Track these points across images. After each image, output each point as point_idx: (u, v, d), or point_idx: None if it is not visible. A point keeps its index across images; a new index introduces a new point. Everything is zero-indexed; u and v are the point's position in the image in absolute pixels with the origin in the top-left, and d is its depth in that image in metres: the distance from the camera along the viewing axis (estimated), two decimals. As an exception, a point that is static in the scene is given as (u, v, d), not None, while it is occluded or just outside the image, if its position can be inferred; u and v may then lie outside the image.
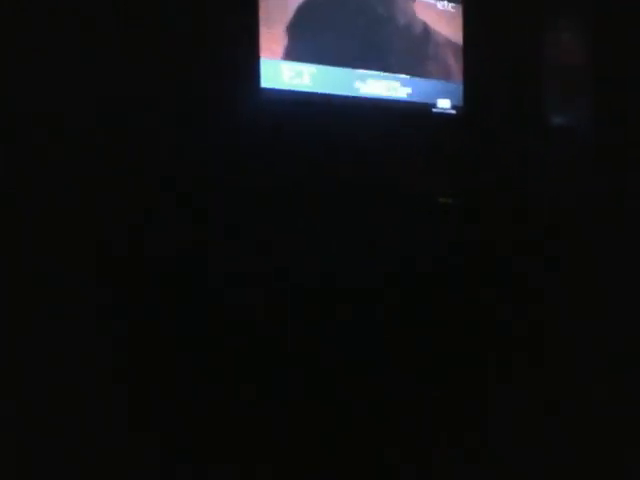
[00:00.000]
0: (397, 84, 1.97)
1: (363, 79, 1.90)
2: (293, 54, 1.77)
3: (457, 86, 2.09)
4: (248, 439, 1.48)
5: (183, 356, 1.48)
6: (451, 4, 2.06)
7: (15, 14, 1.36)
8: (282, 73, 1.76)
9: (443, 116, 2.07)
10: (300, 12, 1.78)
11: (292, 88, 1.77)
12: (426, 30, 2.03)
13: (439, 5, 2.04)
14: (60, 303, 1.36)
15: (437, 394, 1.70)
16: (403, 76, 1.98)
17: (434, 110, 2.05)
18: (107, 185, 1.45)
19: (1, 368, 1.30)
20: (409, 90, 1.99)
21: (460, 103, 2.10)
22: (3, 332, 1.31)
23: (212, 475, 1.41)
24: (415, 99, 2.01)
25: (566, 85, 2.11)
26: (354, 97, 1.89)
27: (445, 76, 2.07)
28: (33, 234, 1.35)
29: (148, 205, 1.48)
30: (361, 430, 1.59)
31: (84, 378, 1.36)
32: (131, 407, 1.40)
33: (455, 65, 2.09)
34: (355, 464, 1.54)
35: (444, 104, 2.07)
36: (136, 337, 1.43)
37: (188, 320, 1.49)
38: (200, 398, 1.46)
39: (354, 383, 1.64)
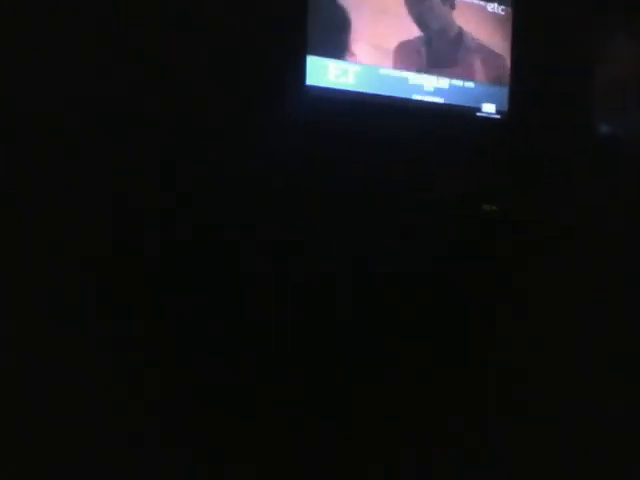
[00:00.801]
0: (442, 87, 1.93)
1: (407, 81, 1.87)
2: (339, 52, 1.75)
3: (503, 90, 2.05)
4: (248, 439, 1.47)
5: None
6: (501, 7, 2.01)
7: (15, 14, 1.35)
8: (328, 71, 1.73)
9: (487, 120, 2.02)
10: (347, 11, 1.75)
11: (337, 87, 1.75)
12: (473, 33, 1.99)
13: (488, 7, 2.00)
14: (60, 303, 1.36)
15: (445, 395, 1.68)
16: (448, 79, 1.94)
17: (478, 114, 2.01)
18: (149, 182, 1.44)
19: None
20: (454, 93, 1.95)
21: (505, 108, 2.05)
22: (3, 332, 1.31)
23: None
24: (460, 102, 1.97)
25: (616, 93, 2.05)
26: (397, 98, 1.86)
27: (491, 80, 2.03)
28: (33, 234, 1.35)
29: (191, 203, 1.47)
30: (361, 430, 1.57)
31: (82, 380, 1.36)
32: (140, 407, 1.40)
33: (502, 69, 2.04)
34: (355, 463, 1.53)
35: (489, 108, 2.02)
36: (137, 338, 1.42)
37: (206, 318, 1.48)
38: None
39: (362, 385, 1.62)
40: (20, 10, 1.36)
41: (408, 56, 1.87)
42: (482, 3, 1.99)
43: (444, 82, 1.94)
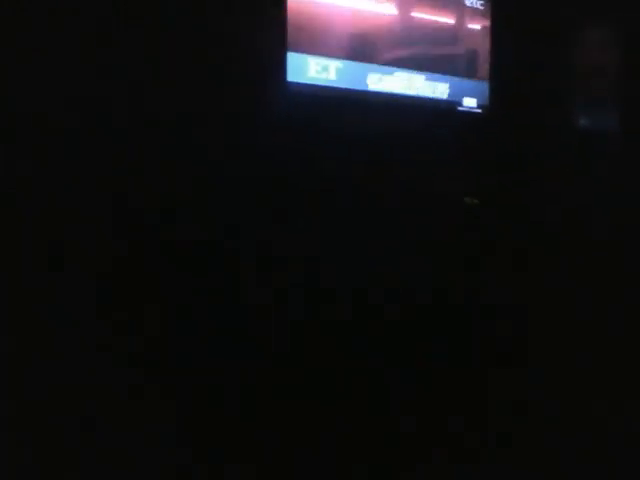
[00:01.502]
0: (423, 81, 1.93)
1: (389, 76, 1.87)
2: (319, 48, 1.74)
3: (483, 85, 2.06)
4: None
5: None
6: (480, 1, 2.02)
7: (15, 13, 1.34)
8: (308, 67, 1.73)
9: (469, 115, 2.03)
10: (327, 6, 1.75)
11: (318, 83, 1.75)
12: (453, 27, 1.99)
13: (467, 2, 2.01)
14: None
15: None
16: (429, 73, 1.94)
17: (460, 109, 2.02)
18: (131, 182, 1.43)
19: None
20: (435, 88, 1.96)
21: (486, 102, 2.06)
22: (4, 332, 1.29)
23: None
24: (441, 97, 1.97)
25: (597, 86, 2.07)
26: (379, 93, 1.85)
27: (471, 74, 2.04)
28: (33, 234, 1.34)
29: (173, 203, 1.46)
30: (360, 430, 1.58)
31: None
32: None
33: (482, 63, 2.05)
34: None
35: (470, 103, 2.03)
36: (140, 339, 1.41)
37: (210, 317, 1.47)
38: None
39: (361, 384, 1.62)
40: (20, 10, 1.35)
41: (389, 51, 1.87)
42: (461, -3, 1.99)
43: (425, 77, 1.94)
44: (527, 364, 1.80)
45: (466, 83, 2.02)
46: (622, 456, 1.63)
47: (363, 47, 1.82)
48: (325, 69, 1.76)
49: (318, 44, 1.73)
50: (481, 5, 2.03)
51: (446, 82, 1.98)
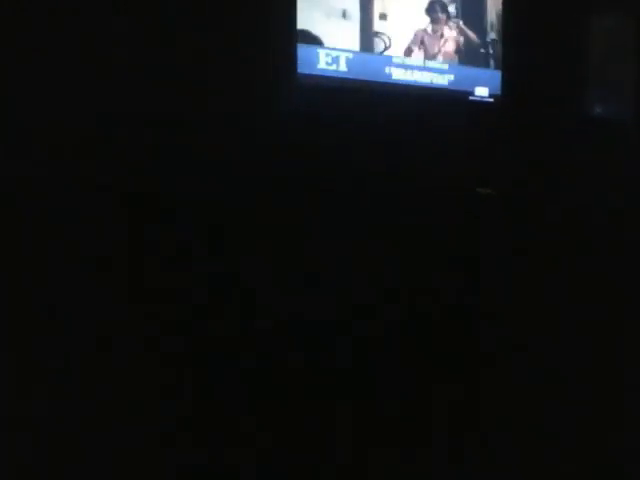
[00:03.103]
0: (434, 71, 1.93)
1: (400, 66, 1.87)
2: (329, 39, 1.75)
3: (495, 74, 2.05)
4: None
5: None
6: (491, -10, 2.01)
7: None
8: (318, 58, 1.73)
9: (480, 104, 2.02)
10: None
11: (328, 74, 1.75)
12: (465, 15, 1.98)
13: (478, -9, 2.00)
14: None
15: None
16: (440, 63, 1.94)
17: (471, 98, 2.01)
18: (139, 171, 1.45)
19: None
20: (446, 77, 1.95)
21: (498, 91, 2.05)
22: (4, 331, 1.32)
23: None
24: (452, 86, 1.97)
25: (611, 75, 2.05)
26: (390, 83, 1.86)
27: (483, 63, 2.03)
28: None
29: (178, 194, 1.48)
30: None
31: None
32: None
33: (494, 52, 2.04)
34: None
35: (482, 92, 2.02)
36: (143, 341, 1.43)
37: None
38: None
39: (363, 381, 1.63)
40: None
41: (400, 41, 1.87)
42: (472, -14, 1.98)
43: (436, 66, 1.93)
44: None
45: (477, 72, 2.01)
46: (622, 457, 1.62)
47: (374, 38, 1.82)
48: (335, 61, 1.76)
49: (328, 35, 1.74)
50: (493, -6, 2.02)
51: (457, 71, 1.97)
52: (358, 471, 1.52)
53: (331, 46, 1.75)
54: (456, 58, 1.97)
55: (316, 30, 1.72)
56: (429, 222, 1.77)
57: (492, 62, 2.04)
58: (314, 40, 1.72)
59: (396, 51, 1.86)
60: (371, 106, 1.78)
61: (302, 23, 1.69)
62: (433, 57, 1.93)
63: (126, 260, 1.42)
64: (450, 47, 1.96)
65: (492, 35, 2.03)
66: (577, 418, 1.65)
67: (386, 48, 1.84)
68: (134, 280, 1.43)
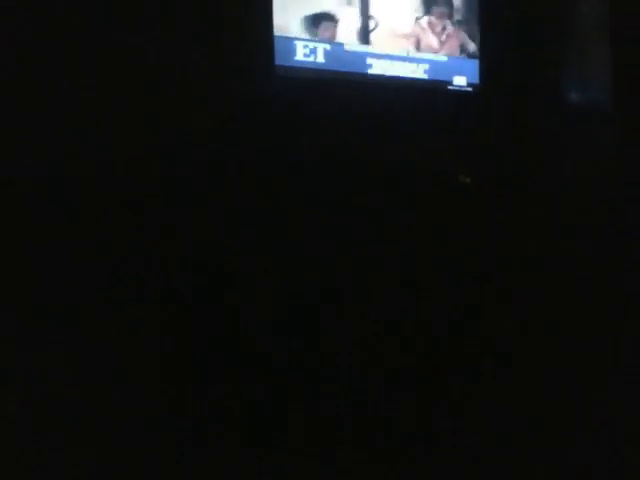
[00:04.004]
0: (412, 61, 1.93)
1: (377, 56, 1.87)
2: (306, 31, 1.75)
3: (473, 63, 2.05)
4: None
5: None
6: (468, -22, 2.01)
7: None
8: (296, 50, 1.73)
9: (459, 93, 2.03)
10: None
11: (305, 65, 1.75)
12: (442, 6, 1.99)
13: (455, -20, 2.00)
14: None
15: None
16: (418, 53, 1.94)
17: (450, 88, 2.02)
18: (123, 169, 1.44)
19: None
20: (424, 67, 1.96)
21: (476, 80, 2.05)
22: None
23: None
24: (431, 76, 1.97)
25: (587, 61, 2.06)
26: (367, 75, 1.86)
27: (461, 53, 2.03)
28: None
29: (163, 189, 1.47)
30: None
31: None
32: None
33: (471, 41, 2.04)
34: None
35: (460, 81, 2.03)
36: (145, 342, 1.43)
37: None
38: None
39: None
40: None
41: (378, 32, 1.87)
42: (448, -25, 1.99)
43: (415, 56, 1.94)
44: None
45: (455, 61, 2.02)
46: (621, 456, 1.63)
47: (350, 29, 1.82)
48: (313, 52, 1.76)
49: (305, 27, 1.74)
50: (469, -18, 2.02)
51: (435, 61, 1.97)
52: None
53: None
54: (435, 48, 1.97)
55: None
56: (411, 212, 1.78)
57: (469, 51, 2.04)
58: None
59: (374, 42, 1.86)
60: (349, 98, 1.78)
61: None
62: (413, 48, 1.93)
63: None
64: (429, 37, 1.96)
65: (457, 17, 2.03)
66: (579, 418, 1.66)
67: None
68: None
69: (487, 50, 2.05)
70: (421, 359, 1.68)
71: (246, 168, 1.56)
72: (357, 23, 1.84)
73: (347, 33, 1.82)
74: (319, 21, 1.77)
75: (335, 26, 1.80)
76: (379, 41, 1.87)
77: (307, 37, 1.75)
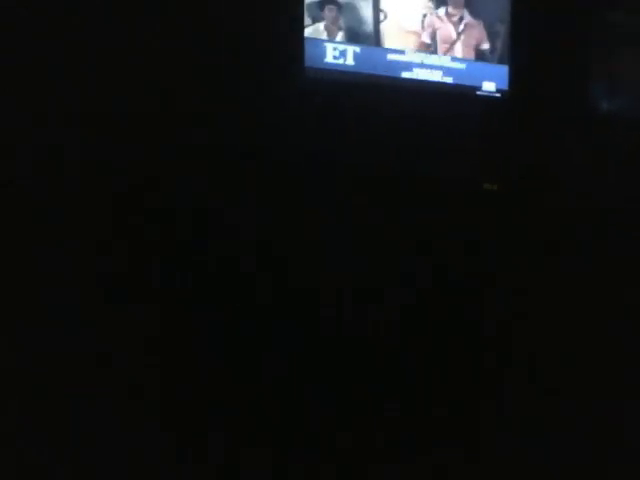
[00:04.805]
0: (441, 65, 1.92)
1: (407, 60, 1.86)
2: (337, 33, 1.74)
3: (503, 69, 2.03)
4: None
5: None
6: (500, -16, 1.99)
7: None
8: (326, 52, 1.73)
9: (488, 99, 2.01)
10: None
11: (335, 68, 1.75)
12: (473, 11, 1.97)
13: (487, -15, 1.98)
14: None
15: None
16: (448, 57, 1.93)
17: (478, 93, 2.00)
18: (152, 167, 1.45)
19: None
20: (454, 72, 1.94)
21: (505, 86, 2.03)
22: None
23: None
24: (459, 81, 1.95)
25: (619, 70, 2.03)
26: (397, 78, 1.85)
27: (491, 58, 2.01)
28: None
29: (193, 190, 1.48)
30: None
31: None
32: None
33: (502, 47, 2.02)
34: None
35: (489, 87, 2.01)
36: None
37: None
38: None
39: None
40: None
41: (408, 35, 1.86)
42: (481, -19, 1.97)
43: (444, 61, 1.92)
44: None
45: (485, 67, 2.00)
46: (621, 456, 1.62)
47: (381, 31, 1.81)
48: (343, 54, 1.75)
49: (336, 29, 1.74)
50: (501, -12, 2.00)
51: (465, 66, 1.96)
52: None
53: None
54: (465, 52, 1.96)
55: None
56: (436, 218, 1.77)
57: (499, 56, 2.02)
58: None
59: (403, 45, 1.85)
60: (377, 101, 1.77)
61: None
62: (442, 51, 1.92)
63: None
64: (459, 42, 1.95)
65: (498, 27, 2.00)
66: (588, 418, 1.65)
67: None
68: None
69: (517, 56, 2.03)
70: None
71: (276, 169, 1.56)
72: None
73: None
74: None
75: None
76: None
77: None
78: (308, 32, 1.72)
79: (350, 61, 1.77)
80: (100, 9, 1.42)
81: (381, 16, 1.83)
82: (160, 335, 1.44)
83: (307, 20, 1.71)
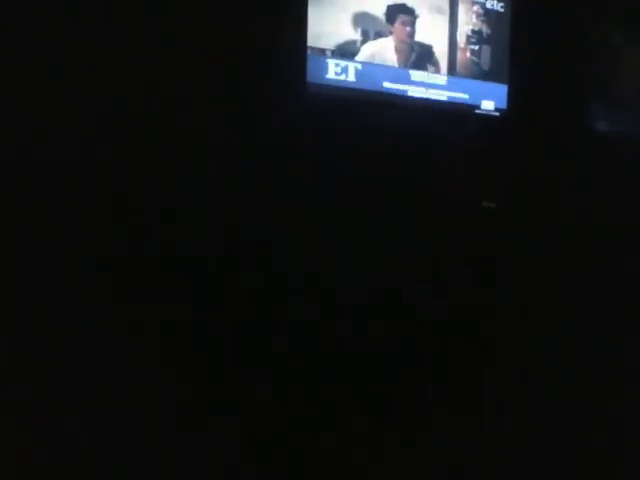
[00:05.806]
0: (440, 83, 1.93)
1: (407, 77, 1.87)
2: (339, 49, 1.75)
3: (502, 88, 2.05)
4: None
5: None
6: (500, 3, 2.01)
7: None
8: (328, 68, 1.73)
9: (486, 118, 2.02)
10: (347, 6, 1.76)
11: (337, 84, 1.75)
12: (472, 29, 1.99)
13: (487, 4, 2.00)
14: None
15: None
16: (447, 76, 1.94)
17: (477, 112, 2.01)
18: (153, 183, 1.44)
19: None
20: (452, 90, 1.95)
21: (504, 105, 2.05)
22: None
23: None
24: (458, 100, 1.97)
25: (618, 89, 2.06)
26: (397, 95, 1.86)
27: (490, 77, 2.03)
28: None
29: (195, 204, 1.47)
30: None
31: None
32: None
33: (501, 66, 2.04)
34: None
35: (488, 106, 2.02)
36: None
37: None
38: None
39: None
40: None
41: (408, 53, 1.87)
42: (480, 0, 1.99)
43: (443, 79, 1.94)
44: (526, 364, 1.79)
45: (484, 86, 2.01)
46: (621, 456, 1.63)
47: (382, 48, 1.82)
48: (344, 70, 1.76)
49: (338, 44, 1.74)
50: (501, 7, 2.02)
51: (464, 85, 1.97)
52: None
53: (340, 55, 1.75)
54: (464, 71, 1.97)
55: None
56: (434, 235, 1.77)
57: (498, 76, 2.04)
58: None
59: (404, 63, 1.86)
60: (377, 117, 1.78)
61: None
62: (443, 70, 1.93)
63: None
64: (459, 60, 1.96)
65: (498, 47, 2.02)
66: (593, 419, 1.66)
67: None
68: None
69: (516, 76, 2.05)
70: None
71: (275, 183, 1.55)
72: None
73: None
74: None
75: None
76: (406, 61, 1.87)
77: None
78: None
79: (352, 77, 1.78)
80: (100, 9, 1.41)
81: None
82: (160, 335, 1.43)
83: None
